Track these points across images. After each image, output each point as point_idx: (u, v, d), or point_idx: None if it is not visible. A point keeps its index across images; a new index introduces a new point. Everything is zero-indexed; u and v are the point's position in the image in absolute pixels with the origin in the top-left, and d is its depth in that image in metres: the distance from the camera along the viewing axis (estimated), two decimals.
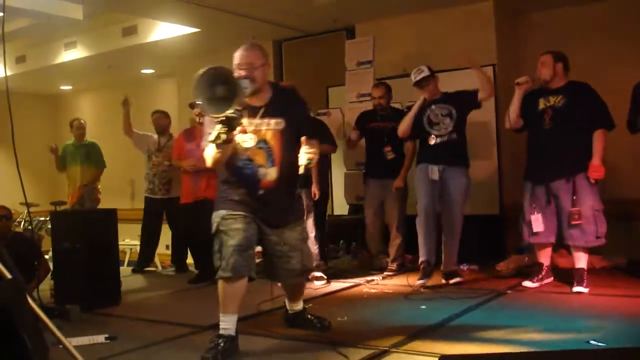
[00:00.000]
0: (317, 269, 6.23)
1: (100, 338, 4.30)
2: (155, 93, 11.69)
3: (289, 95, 4.20)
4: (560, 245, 5.93)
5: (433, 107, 5.85)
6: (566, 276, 5.83)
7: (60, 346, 3.69)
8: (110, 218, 5.94)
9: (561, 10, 7.51)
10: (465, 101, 5.79)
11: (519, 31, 7.83)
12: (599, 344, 3.68)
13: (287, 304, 4.49)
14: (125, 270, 7.52)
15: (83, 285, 5.42)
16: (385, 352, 3.74)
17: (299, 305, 4.46)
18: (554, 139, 5.36)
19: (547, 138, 5.40)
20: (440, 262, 5.96)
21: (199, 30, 8.58)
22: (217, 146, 3.53)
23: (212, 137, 3.50)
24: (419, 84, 5.84)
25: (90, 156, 8.17)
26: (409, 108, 6.12)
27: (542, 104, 5.45)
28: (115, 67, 10.58)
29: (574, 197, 5.26)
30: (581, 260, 5.40)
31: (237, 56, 3.97)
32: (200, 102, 3.43)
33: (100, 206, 8.19)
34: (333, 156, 8.02)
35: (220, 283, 3.89)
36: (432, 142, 5.81)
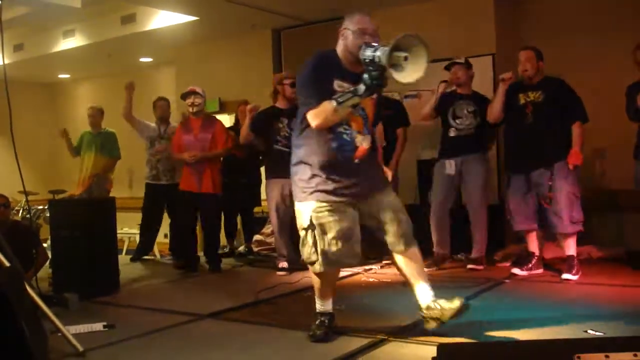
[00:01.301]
0: None
1: (99, 326, 4.30)
2: (153, 81, 11.66)
3: None
4: (551, 237, 6.00)
5: (461, 101, 6.06)
6: (554, 266, 5.88)
7: (59, 334, 3.72)
8: (108, 206, 5.93)
9: (560, 0, 7.49)
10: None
11: (518, 21, 7.80)
12: (597, 333, 3.70)
13: (417, 297, 3.88)
14: (123, 258, 7.51)
15: (81, 274, 5.41)
16: (383, 341, 3.75)
17: (429, 289, 3.84)
18: (535, 132, 5.56)
19: (529, 131, 5.60)
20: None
21: (198, 18, 8.56)
22: (342, 108, 3.49)
23: (343, 99, 3.47)
24: (448, 67, 6.17)
25: (105, 145, 8.09)
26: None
27: (522, 99, 5.65)
28: (113, 55, 10.56)
29: (550, 184, 5.46)
30: (570, 248, 5.54)
31: (363, 21, 3.77)
32: (390, 69, 3.33)
33: None
34: None
35: (313, 275, 3.88)
36: (452, 134, 6.08)
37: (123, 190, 7.73)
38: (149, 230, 7.63)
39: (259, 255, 7.66)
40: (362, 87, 3.43)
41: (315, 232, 3.72)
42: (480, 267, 5.99)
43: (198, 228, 6.91)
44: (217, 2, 7.77)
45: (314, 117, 3.61)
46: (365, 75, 3.43)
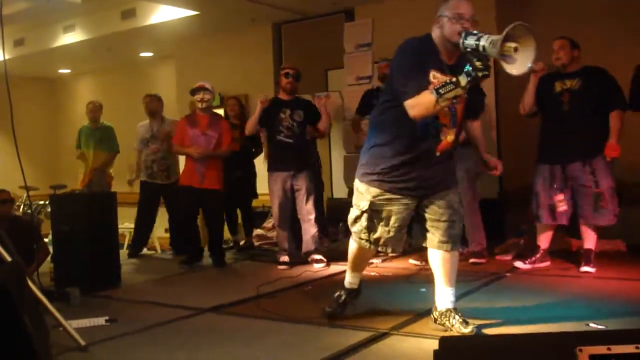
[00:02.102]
0: (317, 252, 6.25)
1: (101, 320, 4.31)
2: (154, 76, 11.67)
3: None
4: (567, 233, 5.98)
5: None
6: (566, 258, 5.88)
7: (61, 328, 3.73)
8: (109, 201, 5.93)
9: None
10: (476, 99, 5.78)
11: (520, 15, 7.74)
12: (599, 326, 3.70)
13: (436, 298, 3.89)
14: (125, 253, 7.52)
15: (83, 268, 5.43)
16: (385, 335, 3.76)
17: (451, 296, 3.85)
18: (572, 121, 5.43)
19: (565, 120, 5.48)
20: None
21: (198, 12, 8.55)
22: (443, 100, 3.33)
23: (445, 89, 3.31)
24: None
25: (104, 140, 8.10)
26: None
27: (558, 87, 5.51)
28: (114, 50, 10.56)
29: (595, 179, 5.35)
30: (590, 241, 5.50)
31: (461, 5, 3.58)
32: (501, 61, 3.26)
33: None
34: (333, 139, 8.04)
35: (355, 245, 3.98)
36: None
37: (124, 185, 7.71)
38: (142, 227, 7.64)
39: (260, 249, 7.67)
40: (464, 79, 3.29)
41: (373, 216, 3.78)
42: (483, 260, 5.94)
43: (200, 222, 6.91)
44: None
45: (412, 107, 3.46)
46: (468, 66, 3.30)
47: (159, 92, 7.96)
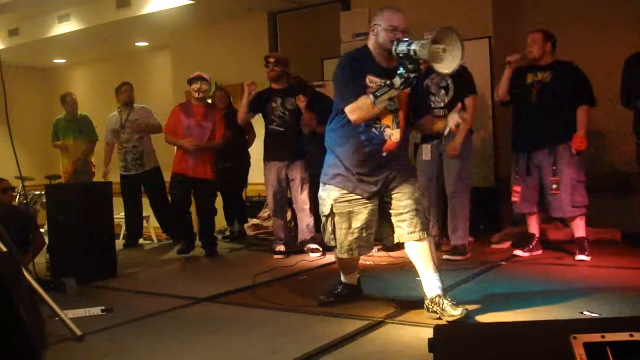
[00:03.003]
0: (313, 241, 6.26)
1: (97, 310, 4.31)
2: (149, 66, 11.64)
3: None
4: (554, 218, 6.03)
5: (433, 75, 5.78)
6: (561, 247, 5.90)
7: (57, 318, 3.73)
8: (105, 191, 5.93)
9: None
10: (464, 86, 5.76)
11: (515, 5, 7.78)
12: (593, 314, 3.72)
13: (424, 287, 3.92)
14: (121, 243, 7.53)
15: (79, 258, 5.42)
16: (380, 323, 3.77)
17: (437, 281, 3.87)
18: (539, 112, 5.55)
19: (533, 111, 5.59)
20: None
21: (193, 1, 8.52)
22: (380, 102, 3.66)
23: (380, 93, 3.63)
24: None
25: (83, 130, 8.13)
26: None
27: (530, 78, 5.65)
28: (109, 40, 10.53)
29: (554, 168, 5.47)
30: (579, 229, 5.56)
31: (394, 18, 3.84)
32: (431, 61, 3.54)
33: (95, 179, 8.17)
34: None
35: (337, 257, 4.19)
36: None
37: (117, 175, 7.71)
38: (132, 218, 7.65)
39: (256, 238, 7.68)
40: (398, 80, 3.59)
41: (335, 220, 3.97)
42: (460, 258, 5.69)
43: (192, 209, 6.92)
44: None
45: (352, 112, 3.77)
46: (401, 69, 3.59)
47: (154, 82, 7.96)
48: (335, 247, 4.06)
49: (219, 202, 7.30)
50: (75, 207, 5.56)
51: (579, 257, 5.44)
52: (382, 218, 4.02)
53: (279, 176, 6.28)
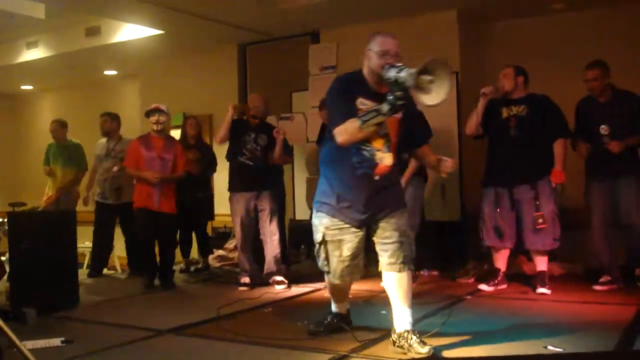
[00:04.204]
0: (279, 273, 6.24)
1: (56, 341, 4.23)
2: (118, 94, 11.60)
3: None
4: (520, 252, 6.09)
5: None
6: (525, 281, 5.94)
7: (15, 350, 3.65)
8: (69, 220, 5.85)
9: (522, 20, 7.64)
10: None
11: (481, 40, 7.92)
12: (556, 349, 3.74)
13: (394, 320, 3.93)
14: (85, 272, 7.42)
15: (40, 288, 5.33)
16: (344, 357, 3.76)
17: (409, 316, 3.88)
18: (518, 147, 5.58)
19: (512, 145, 5.62)
20: None
21: (163, 32, 8.53)
22: (367, 127, 3.64)
23: (367, 118, 3.61)
24: None
25: (72, 158, 8.02)
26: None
27: (505, 113, 5.67)
28: (78, 67, 10.48)
29: (537, 202, 5.50)
30: (542, 264, 5.63)
31: (386, 42, 3.86)
32: (416, 92, 3.52)
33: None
34: (296, 161, 8.03)
35: (329, 283, 4.19)
36: None
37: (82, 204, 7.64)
38: (100, 247, 7.56)
39: (221, 269, 7.62)
40: (385, 106, 3.56)
41: (328, 247, 3.98)
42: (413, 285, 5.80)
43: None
44: (183, 16, 7.76)
45: (339, 134, 3.77)
46: (389, 95, 3.56)
47: (123, 111, 7.92)
48: (328, 272, 4.05)
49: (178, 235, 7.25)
50: (38, 235, 5.49)
51: (540, 290, 5.50)
52: (368, 242, 4.02)
53: (247, 207, 6.27)
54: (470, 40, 7.73)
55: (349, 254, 3.94)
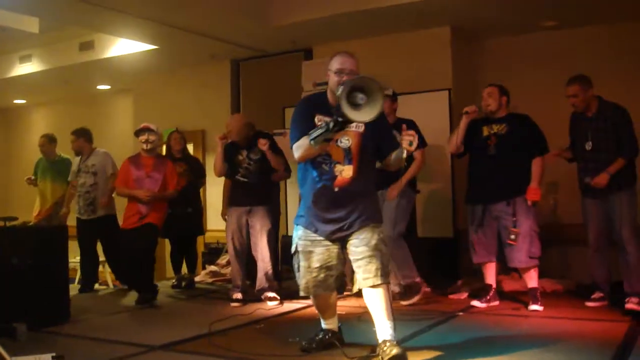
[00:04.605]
0: (270, 289, 6.22)
1: (47, 357, 4.19)
2: (111, 109, 11.59)
3: None
4: (511, 269, 6.10)
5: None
6: (517, 298, 5.94)
7: None
8: (60, 235, 5.84)
9: (514, 38, 7.69)
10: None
11: (473, 57, 7.97)
12: None
13: (376, 332, 3.94)
14: (76, 288, 7.39)
15: (31, 303, 5.30)
16: None
17: (389, 328, 3.88)
18: (497, 164, 5.67)
19: (491, 163, 5.70)
20: None
21: (157, 47, 8.54)
22: (317, 143, 3.70)
23: (315, 134, 3.69)
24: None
25: (62, 173, 7.99)
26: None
27: (486, 131, 5.76)
28: (71, 82, 10.47)
29: (514, 219, 5.57)
30: (532, 280, 5.65)
31: (342, 61, 3.99)
32: (345, 108, 3.54)
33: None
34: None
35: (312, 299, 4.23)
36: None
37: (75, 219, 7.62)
38: (86, 262, 7.52)
39: (213, 284, 7.60)
40: (331, 123, 3.64)
41: (299, 258, 4.07)
42: (416, 298, 5.84)
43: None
44: (177, 32, 7.78)
45: (295, 150, 3.94)
46: (335, 111, 3.67)
47: (115, 125, 7.91)
48: (300, 284, 4.11)
49: (168, 250, 7.21)
50: (30, 250, 5.46)
51: (532, 307, 5.51)
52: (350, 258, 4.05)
53: (239, 222, 6.27)
54: (463, 57, 7.77)
55: (317, 265, 4.00)
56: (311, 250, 4.02)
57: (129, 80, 10.26)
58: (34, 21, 7.97)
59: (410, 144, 3.71)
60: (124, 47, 8.77)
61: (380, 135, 4.07)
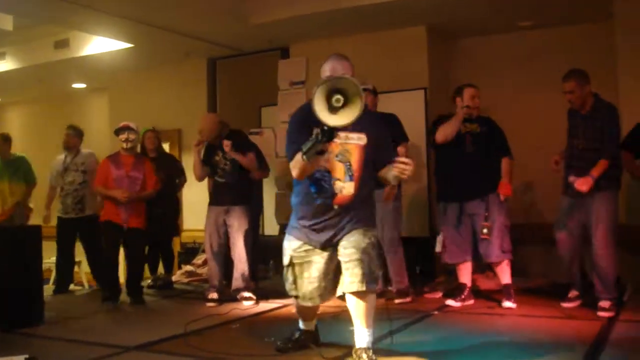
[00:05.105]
0: (247, 289, 6.21)
1: (20, 359, 4.17)
2: (86, 108, 11.49)
3: (373, 114, 4.30)
4: (486, 267, 6.14)
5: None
6: (491, 297, 5.98)
7: None
8: (34, 235, 5.78)
9: (490, 37, 7.73)
10: (395, 134, 5.81)
11: (449, 56, 8.00)
12: None
13: (354, 337, 3.88)
14: (51, 289, 7.33)
15: (4, 304, 5.26)
16: None
17: (367, 336, 3.81)
18: (472, 162, 5.73)
19: (467, 160, 5.75)
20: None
21: (133, 45, 8.49)
22: (309, 157, 3.51)
23: (307, 147, 3.48)
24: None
25: (20, 171, 7.90)
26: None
27: (462, 129, 5.78)
28: (46, 80, 10.38)
29: (486, 214, 5.66)
30: (505, 275, 5.71)
31: (332, 67, 3.90)
32: (319, 111, 3.39)
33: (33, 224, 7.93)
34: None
35: (297, 303, 4.14)
36: None
37: (51, 219, 7.53)
38: (64, 263, 7.45)
39: (189, 284, 7.58)
40: (320, 132, 3.44)
41: (296, 270, 3.98)
42: (408, 299, 5.97)
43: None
44: (153, 30, 7.74)
45: (292, 168, 3.78)
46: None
47: (91, 124, 7.83)
48: (297, 297, 4.03)
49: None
50: (2, 251, 5.41)
51: (506, 303, 5.57)
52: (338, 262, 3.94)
53: (216, 221, 6.26)
54: (439, 56, 7.80)
55: (317, 274, 3.93)
56: (309, 260, 3.93)
57: (104, 78, 10.19)
58: (7, 18, 7.88)
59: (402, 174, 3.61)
60: (100, 45, 8.70)
61: (378, 148, 3.90)
